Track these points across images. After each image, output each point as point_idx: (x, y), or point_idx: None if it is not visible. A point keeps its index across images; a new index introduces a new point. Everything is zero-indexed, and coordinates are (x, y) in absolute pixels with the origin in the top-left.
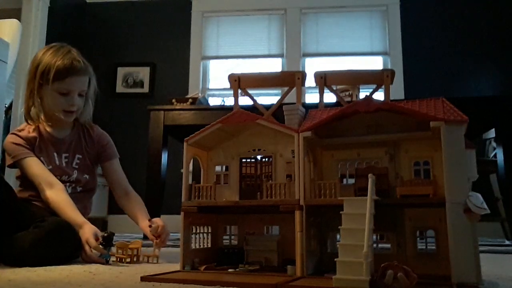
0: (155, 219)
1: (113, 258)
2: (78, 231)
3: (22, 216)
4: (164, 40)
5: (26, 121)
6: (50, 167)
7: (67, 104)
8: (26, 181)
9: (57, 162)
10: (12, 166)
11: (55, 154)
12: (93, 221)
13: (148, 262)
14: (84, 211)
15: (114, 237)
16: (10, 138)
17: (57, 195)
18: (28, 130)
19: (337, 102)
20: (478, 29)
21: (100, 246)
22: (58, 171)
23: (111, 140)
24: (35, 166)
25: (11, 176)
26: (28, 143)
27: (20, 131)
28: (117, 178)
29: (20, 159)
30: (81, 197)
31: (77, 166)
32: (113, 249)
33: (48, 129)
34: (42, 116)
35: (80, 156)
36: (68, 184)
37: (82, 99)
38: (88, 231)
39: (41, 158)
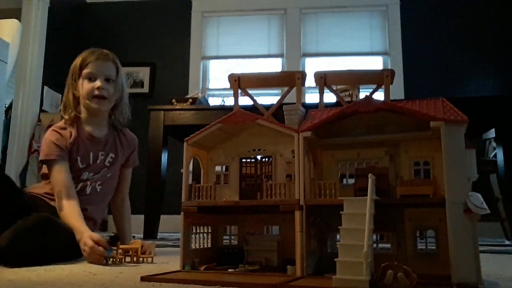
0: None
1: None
2: (80, 239)
3: (26, 213)
4: (164, 40)
5: (64, 120)
6: (84, 166)
7: (95, 88)
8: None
9: (91, 161)
10: (43, 161)
11: (91, 154)
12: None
13: (142, 262)
14: (100, 215)
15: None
16: (52, 135)
17: (71, 206)
18: (70, 131)
19: (337, 102)
20: (478, 29)
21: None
22: (89, 169)
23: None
24: (63, 174)
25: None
26: (67, 144)
27: (61, 128)
28: (124, 186)
29: (51, 160)
30: (99, 200)
31: (108, 164)
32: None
33: (87, 128)
34: (82, 112)
35: (113, 156)
36: (88, 183)
37: (110, 85)
38: (86, 236)
39: (78, 158)
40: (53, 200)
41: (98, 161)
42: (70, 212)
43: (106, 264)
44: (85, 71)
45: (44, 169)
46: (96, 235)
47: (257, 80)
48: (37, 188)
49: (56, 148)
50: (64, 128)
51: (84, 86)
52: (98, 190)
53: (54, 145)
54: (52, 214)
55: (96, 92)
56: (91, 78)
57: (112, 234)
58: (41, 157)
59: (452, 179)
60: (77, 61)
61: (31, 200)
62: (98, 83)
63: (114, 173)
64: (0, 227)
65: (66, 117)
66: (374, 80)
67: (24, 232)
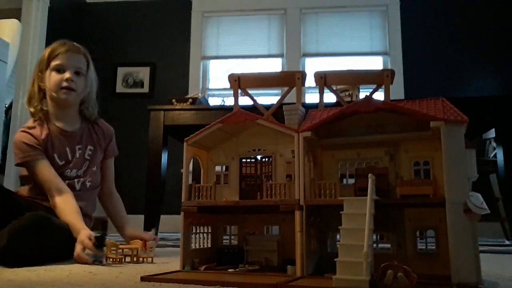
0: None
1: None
2: (76, 236)
3: (19, 213)
4: (164, 40)
5: (31, 114)
6: (63, 162)
7: (63, 80)
8: (34, 181)
9: (70, 157)
10: (19, 165)
11: (68, 149)
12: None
13: (142, 262)
14: (92, 210)
15: (110, 238)
16: (21, 136)
17: (65, 202)
18: (40, 129)
19: (337, 102)
20: (478, 29)
21: (94, 246)
22: (70, 165)
23: (114, 135)
24: (47, 171)
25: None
26: (40, 142)
27: (30, 128)
28: (109, 176)
29: (30, 160)
30: (89, 195)
31: (89, 158)
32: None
33: (58, 124)
34: (49, 106)
35: (92, 148)
36: (76, 180)
37: (80, 78)
38: (83, 234)
39: (54, 155)
40: (46, 200)
41: (78, 156)
42: (64, 209)
43: (100, 264)
44: (54, 62)
45: (23, 171)
46: (87, 241)
47: (257, 80)
48: (22, 191)
49: (29, 148)
50: (34, 127)
51: (52, 78)
52: (88, 186)
53: (26, 146)
54: (47, 213)
55: (65, 84)
56: (60, 69)
57: (98, 235)
58: (17, 161)
59: (452, 179)
60: (46, 52)
61: (26, 203)
62: (67, 74)
63: (99, 165)
64: None
65: (32, 109)
66: (374, 80)
67: (20, 232)
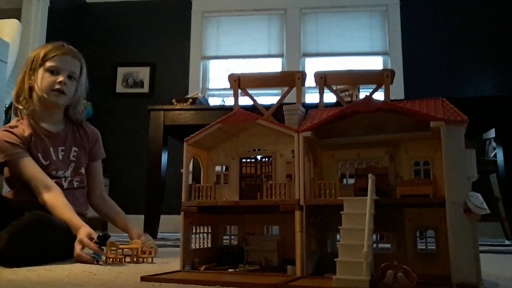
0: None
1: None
2: (75, 234)
3: (18, 214)
4: (164, 40)
5: (15, 111)
6: (48, 162)
7: (56, 82)
8: (19, 182)
9: (54, 157)
10: (2, 164)
11: (51, 149)
12: (92, 221)
13: (142, 262)
14: (84, 208)
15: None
16: (2, 135)
17: (55, 197)
18: (23, 128)
19: (337, 102)
20: (478, 29)
21: (95, 245)
22: (55, 166)
23: (101, 138)
24: (32, 168)
25: None
26: (23, 141)
27: (12, 127)
28: (98, 179)
29: (14, 159)
30: (78, 193)
31: (74, 159)
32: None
33: (42, 124)
34: (34, 105)
35: (77, 149)
36: (64, 179)
37: (72, 83)
38: (82, 232)
39: (38, 155)
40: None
41: (61, 157)
42: (57, 206)
43: (97, 264)
44: (49, 63)
45: (6, 173)
46: (86, 240)
47: (257, 80)
48: (7, 196)
49: (11, 147)
50: (16, 126)
51: (45, 79)
52: (75, 185)
53: (8, 144)
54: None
55: (57, 86)
56: (53, 71)
57: (101, 234)
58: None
59: (452, 179)
60: (40, 51)
61: (19, 204)
62: (60, 77)
63: (85, 168)
64: None
65: (20, 107)
66: (374, 80)
67: (20, 232)
